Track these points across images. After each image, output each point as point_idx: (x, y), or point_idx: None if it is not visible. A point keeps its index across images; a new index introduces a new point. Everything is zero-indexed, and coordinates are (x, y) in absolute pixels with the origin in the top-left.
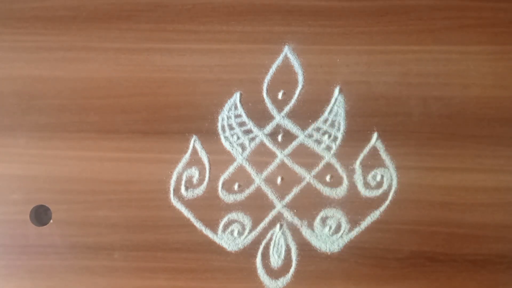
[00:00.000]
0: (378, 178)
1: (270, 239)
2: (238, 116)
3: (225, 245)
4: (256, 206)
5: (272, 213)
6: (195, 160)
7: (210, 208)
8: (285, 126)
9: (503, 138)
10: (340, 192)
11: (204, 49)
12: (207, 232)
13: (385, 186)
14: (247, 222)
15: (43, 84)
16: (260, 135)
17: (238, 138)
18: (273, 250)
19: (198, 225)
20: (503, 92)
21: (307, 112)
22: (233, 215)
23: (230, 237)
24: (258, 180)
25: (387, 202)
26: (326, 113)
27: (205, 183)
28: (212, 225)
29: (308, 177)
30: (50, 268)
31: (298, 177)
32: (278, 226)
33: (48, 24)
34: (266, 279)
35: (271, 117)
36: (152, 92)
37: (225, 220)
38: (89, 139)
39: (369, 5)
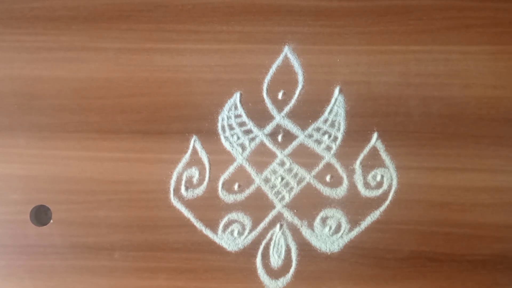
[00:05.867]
0: (378, 178)
1: (270, 239)
2: (238, 116)
3: (225, 245)
4: (256, 206)
5: (272, 213)
6: (195, 160)
7: (210, 208)
8: (285, 126)
9: (503, 138)
10: (340, 192)
11: (204, 49)
12: (207, 232)
13: (385, 186)
14: (247, 222)
15: (43, 84)
16: (260, 135)
17: (238, 138)
18: (273, 250)
19: (198, 225)
20: (503, 92)
21: (307, 112)
22: (233, 215)
23: (230, 237)
24: (258, 180)
25: (387, 202)
26: (326, 113)
27: (205, 183)
28: (212, 225)
29: (308, 177)
30: (50, 268)
31: (298, 177)
32: (278, 226)
33: (48, 24)
34: (266, 279)
35: (271, 117)
36: (152, 92)
37: (225, 220)
38: (89, 139)
39: (369, 5)
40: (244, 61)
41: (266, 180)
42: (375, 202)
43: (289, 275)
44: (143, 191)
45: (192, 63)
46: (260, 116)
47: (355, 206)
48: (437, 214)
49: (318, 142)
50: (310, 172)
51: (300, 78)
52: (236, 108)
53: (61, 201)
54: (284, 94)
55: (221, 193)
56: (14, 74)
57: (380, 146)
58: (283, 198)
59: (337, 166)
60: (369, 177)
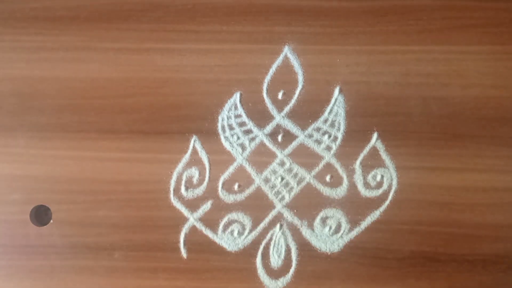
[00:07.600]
0: (378, 178)
1: (270, 239)
2: (238, 116)
3: (225, 245)
4: (256, 206)
5: (272, 213)
6: (195, 160)
7: (210, 208)
8: (285, 126)
9: (503, 138)
10: (340, 192)
11: (204, 49)
12: (207, 232)
13: (385, 186)
14: (247, 222)
15: (43, 84)
16: (260, 135)
17: (238, 138)
18: (273, 250)
19: (198, 225)
20: (503, 92)
21: (307, 112)
22: (233, 215)
23: (230, 237)
24: (258, 180)
25: (387, 202)
26: (326, 113)
27: (205, 183)
28: (212, 225)
29: (308, 177)
30: (50, 268)
31: (298, 177)
32: (278, 226)
33: (48, 24)
34: (266, 279)
35: (271, 117)
36: (152, 92)
37: (225, 220)
38: (89, 139)
39: (369, 5)
40: (244, 61)
41: (266, 180)
42: (375, 202)
43: (289, 275)
44: (143, 191)
45: (192, 63)
46: (260, 116)
47: (355, 206)
48: (437, 214)
49: (318, 142)
50: (310, 172)
51: (300, 78)
52: (236, 108)
53: (61, 201)
54: (284, 94)
55: (221, 193)
56: (14, 74)
57: (380, 146)
58: (283, 198)
59: (337, 166)
60: (369, 177)
